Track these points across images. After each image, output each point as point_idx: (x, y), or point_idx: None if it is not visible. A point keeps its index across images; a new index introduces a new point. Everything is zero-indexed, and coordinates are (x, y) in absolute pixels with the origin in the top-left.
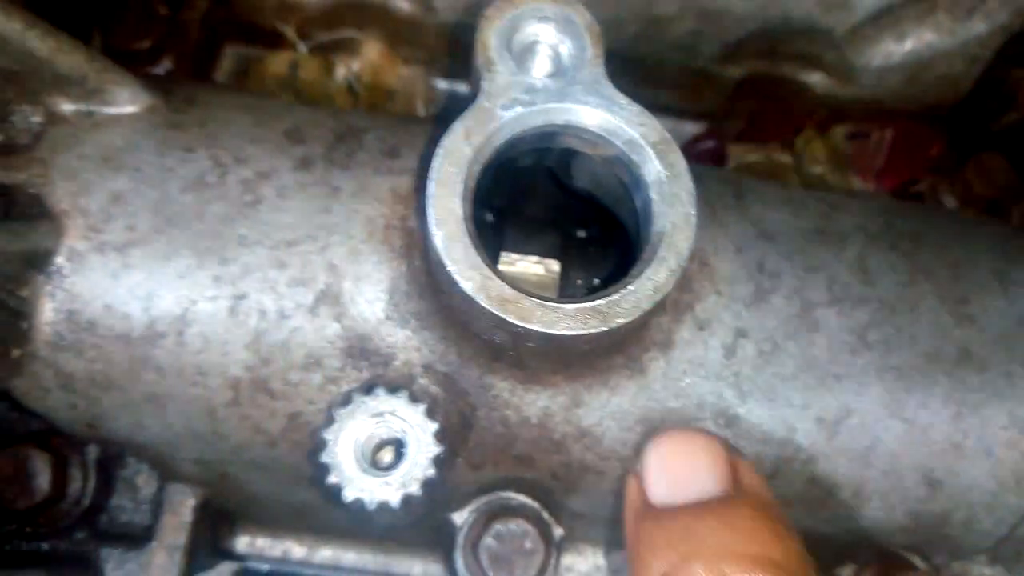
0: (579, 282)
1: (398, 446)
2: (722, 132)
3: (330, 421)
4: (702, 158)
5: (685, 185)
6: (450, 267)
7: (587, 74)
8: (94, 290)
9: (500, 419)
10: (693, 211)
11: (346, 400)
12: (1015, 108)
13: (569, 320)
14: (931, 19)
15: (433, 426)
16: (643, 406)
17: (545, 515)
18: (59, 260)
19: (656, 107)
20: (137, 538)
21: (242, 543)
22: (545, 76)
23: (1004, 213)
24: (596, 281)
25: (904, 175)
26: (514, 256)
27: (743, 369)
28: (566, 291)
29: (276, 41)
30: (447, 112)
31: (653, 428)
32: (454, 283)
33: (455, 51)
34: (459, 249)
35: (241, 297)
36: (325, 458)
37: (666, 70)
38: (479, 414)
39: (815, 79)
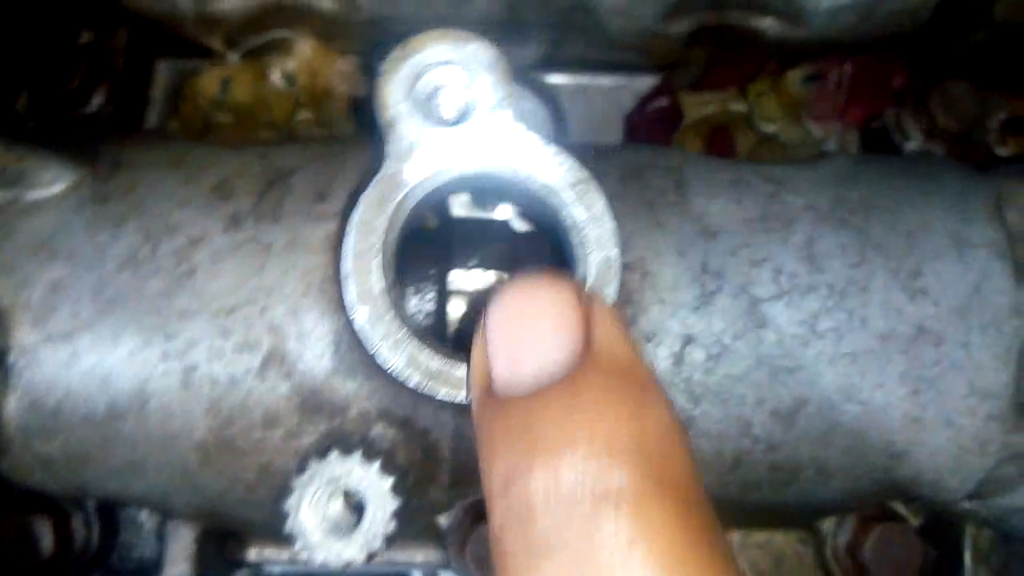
0: None
1: (357, 506)
2: (675, 84)
3: (288, 491)
4: (655, 118)
5: (607, 227)
6: (373, 349)
7: (497, 115)
8: (51, 380)
9: (464, 449)
10: (616, 255)
11: (301, 467)
12: (982, 27)
13: None
14: None
15: (389, 481)
16: None
17: None
18: (12, 357)
19: (606, 64)
20: (147, 571)
21: (252, 553)
22: (453, 123)
23: (970, 143)
24: None
25: (867, 110)
26: (459, 275)
27: (693, 375)
28: None
29: (207, 51)
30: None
31: None
32: (382, 361)
33: (388, 38)
34: (381, 328)
35: (192, 369)
36: (289, 527)
37: (610, 33)
38: (440, 449)
39: (765, 24)
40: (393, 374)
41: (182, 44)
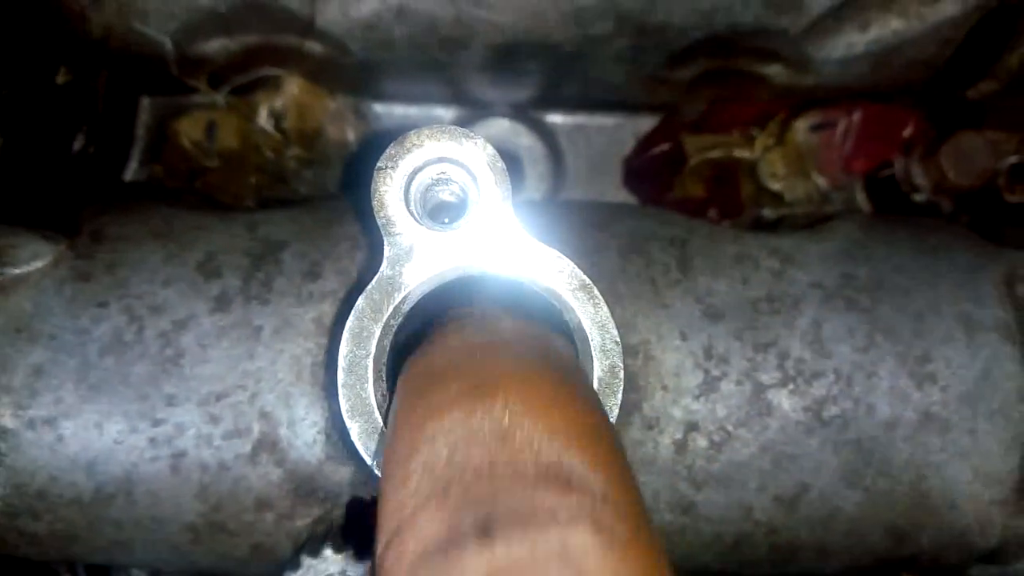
0: None
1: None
2: (677, 123)
3: None
4: (658, 163)
5: (609, 334)
6: (369, 463)
7: (496, 216)
8: (35, 464)
9: None
10: (620, 364)
11: (295, 565)
12: (994, 76)
13: None
14: (896, 5)
15: None
16: None
17: None
18: None
19: (605, 104)
20: None
21: None
22: (450, 224)
23: (981, 197)
24: None
25: (874, 159)
26: None
27: (696, 461)
28: None
29: (192, 87)
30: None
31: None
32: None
33: (381, 77)
34: (374, 444)
35: (180, 455)
36: None
37: (612, 77)
38: None
39: (773, 71)
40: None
41: (166, 80)
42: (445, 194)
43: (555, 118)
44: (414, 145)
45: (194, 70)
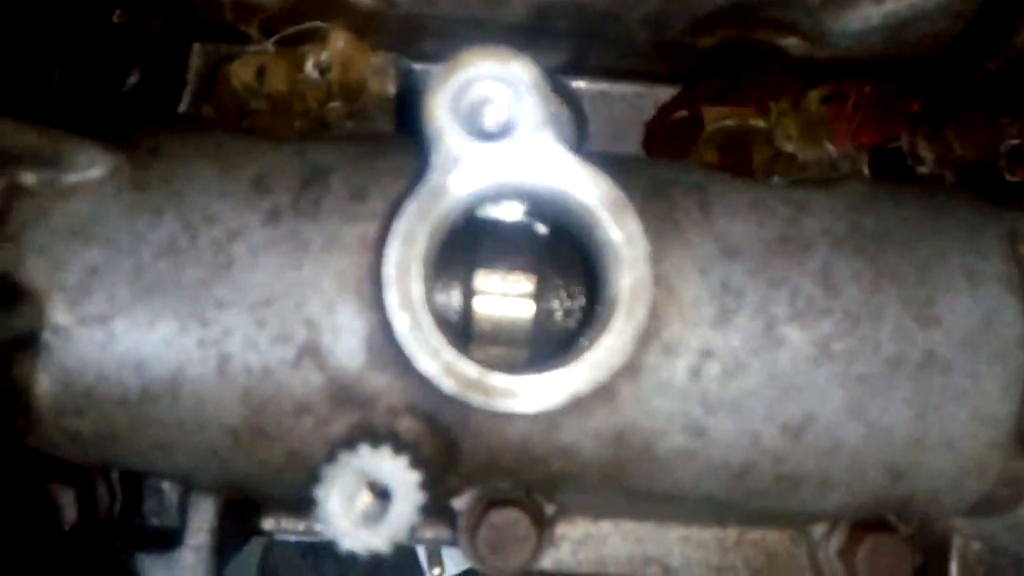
0: (556, 306)
1: (384, 496)
2: (696, 94)
3: (318, 480)
4: (675, 127)
5: (640, 250)
6: (412, 354)
7: (538, 134)
8: (85, 361)
9: (483, 445)
10: (649, 275)
11: (331, 457)
12: (1000, 55)
13: (531, 396)
14: None
15: (416, 476)
16: (615, 424)
17: (536, 497)
18: (46, 337)
19: (629, 72)
20: (168, 540)
21: (268, 523)
22: (495, 139)
23: (980, 170)
24: (570, 306)
25: (883, 133)
26: (486, 278)
27: (709, 387)
28: (542, 319)
29: (243, 36)
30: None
31: (625, 442)
32: (419, 367)
33: (423, 36)
34: (420, 336)
35: (227, 357)
36: (318, 515)
37: (637, 43)
38: (463, 444)
39: (790, 43)
40: (431, 380)
41: (218, 28)
42: (491, 111)
43: (581, 84)
44: (464, 64)
45: (247, 16)
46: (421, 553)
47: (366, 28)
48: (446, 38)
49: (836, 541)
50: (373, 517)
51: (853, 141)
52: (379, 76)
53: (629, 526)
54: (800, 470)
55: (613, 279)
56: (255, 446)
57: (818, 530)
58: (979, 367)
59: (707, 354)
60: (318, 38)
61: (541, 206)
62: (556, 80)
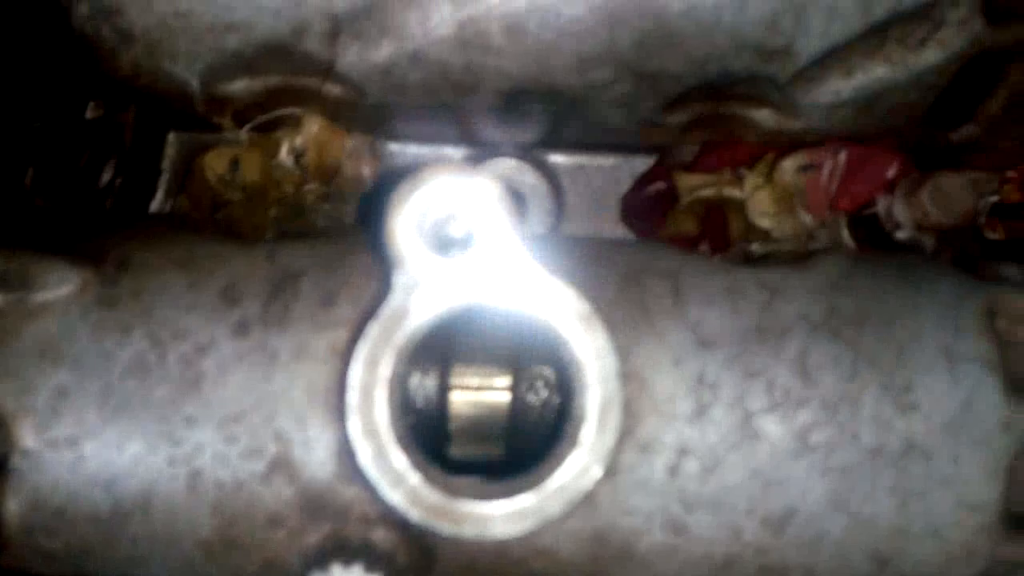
0: (533, 400)
1: None
2: (670, 164)
3: None
4: (653, 200)
5: (609, 364)
6: (376, 482)
7: (502, 250)
8: (55, 483)
9: (460, 552)
10: (619, 395)
11: (305, 572)
12: (976, 121)
13: (501, 523)
14: (880, 53)
15: None
16: (593, 526)
17: None
18: (14, 460)
19: (605, 145)
20: None
21: None
22: (460, 255)
23: (960, 229)
24: (547, 398)
25: (860, 200)
26: (462, 372)
27: (688, 484)
28: (519, 414)
29: (217, 125)
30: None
31: (605, 542)
32: (384, 497)
33: (396, 118)
34: (383, 464)
35: (197, 473)
36: None
37: (610, 121)
38: (438, 551)
39: (762, 115)
40: (395, 510)
41: (193, 118)
42: (454, 228)
43: (557, 158)
44: (425, 181)
45: (219, 108)
46: None
47: (338, 113)
48: (418, 120)
49: None
50: None
51: (831, 208)
52: (354, 158)
53: None
54: (784, 563)
55: (581, 396)
56: (229, 558)
57: None
58: (961, 452)
59: (684, 451)
60: (292, 124)
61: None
62: (532, 155)
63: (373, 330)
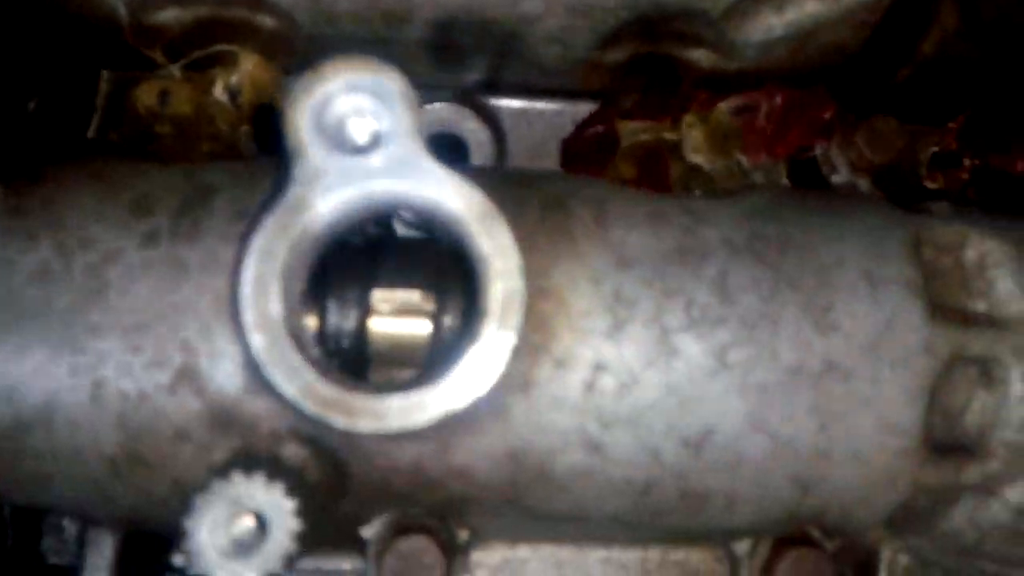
0: (451, 323)
1: (260, 525)
2: (611, 112)
3: (189, 510)
4: (591, 142)
5: (511, 262)
6: (270, 375)
7: (404, 146)
8: None
9: (373, 469)
10: (520, 287)
11: (205, 486)
12: (909, 63)
13: (397, 416)
14: None
15: (291, 504)
16: (509, 443)
17: (449, 524)
18: None
19: (547, 90)
20: None
21: (178, 558)
22: (361, 152)
23: (899, 176)
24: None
25: (796, 143)
26: (382, 296)
27: (604, 401)
28: (440, 337)
29: (152, 62)
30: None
31: (521, 462)
32: (277, 388)
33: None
34: (276, 355)
35: (100, 384)
36: (187, 546)
37: (547, 60)
38: (351, 467)
39: (698, 55)
40: (289, 401)
41: (127, 55)
42: (356, 123)
43: (499, 102)
44: (328, 75)
45: (149, 40)
46: None
47: (274, 50)
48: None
49: (758, 558)
50: (246, 548)
51: (768, 152)
52: None
53: (548, 550)
54: (704, 486)
55: (483, 290)
56: (135, 475)
57: (741, 547)
58: (882, 373)
59: (600, 367)
60: (227, 62)
61: (420, 222)
62: (473, 100)
63: (268, 222)
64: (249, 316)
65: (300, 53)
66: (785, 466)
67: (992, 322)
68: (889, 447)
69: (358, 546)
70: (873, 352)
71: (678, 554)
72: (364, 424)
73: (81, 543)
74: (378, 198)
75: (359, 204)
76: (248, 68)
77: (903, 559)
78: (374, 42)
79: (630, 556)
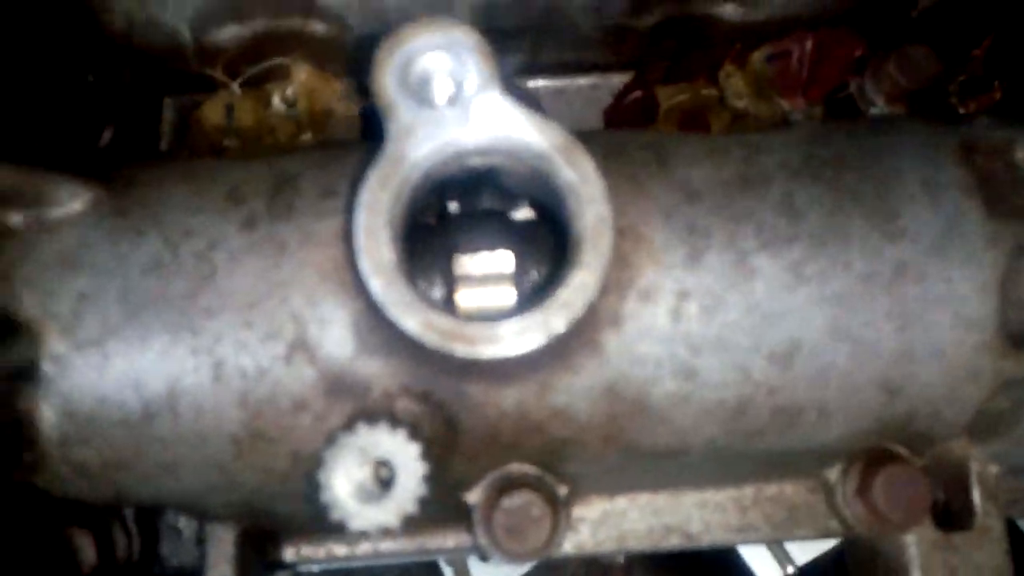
0: (533, 272)
1: (388, 474)
2: (648, 78)
3: (320, 463)
4: (632, 109)
5: (596, 187)
6: (391, 312)
7: (486, 95)
8: (84, 387)
9: (481, 418)
10: (608, 212)
11: (331, 440)
12: None
13: (512, 339)
14: None
15: (416, 448)
16: (605, 378)
17: (548, 479)
18: (44, 367)
19: (582, 65)
20: None
21: (289, 553)
22: (446, 104)
23: (934, 100)
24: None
25: (830, 83)
26: (465, 259)
27: (691, 327)
28: (522, 283)
29: (210, 83)
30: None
31: (618, 395)
32: (399, 324)
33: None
34: (395, 293)
35: (220, 363)
36: (324, 499)
37: (581, 31)
38: (461, 419)
39: (727, 10)
40: (411, 336)
41: (188, 80)
42: (438, 79)
43: (537, 83)
44: (407, 36)
45: (210, 60)
46: (447, 571)
47: (325, 57)
48: None
49: (852, 481)
50: (378, 494)
51: (804, 96)
52: (345, 101)
53: (644, 499)
54: (795, 400)
55: (575, 220)
56: (257, 452)
57: (833, 474)
58: (951, 271)
59: (684, 295)
60: (281, 74)
61: (505, 174)
62: (513, 83)
63: (372, 177)
64: (365, 263)
65: (350, 58)
66: (871, 371)
67: None
68: (967, 342)
69: (462, 516)
70: (940, 252)
71: (771, 489)
72: (483, 350)
73: (200, 541)
74: (464, 145)
75: (448, 153)
76: (302, 78)
77: (992, 469)
78: None
79: (724, 496)
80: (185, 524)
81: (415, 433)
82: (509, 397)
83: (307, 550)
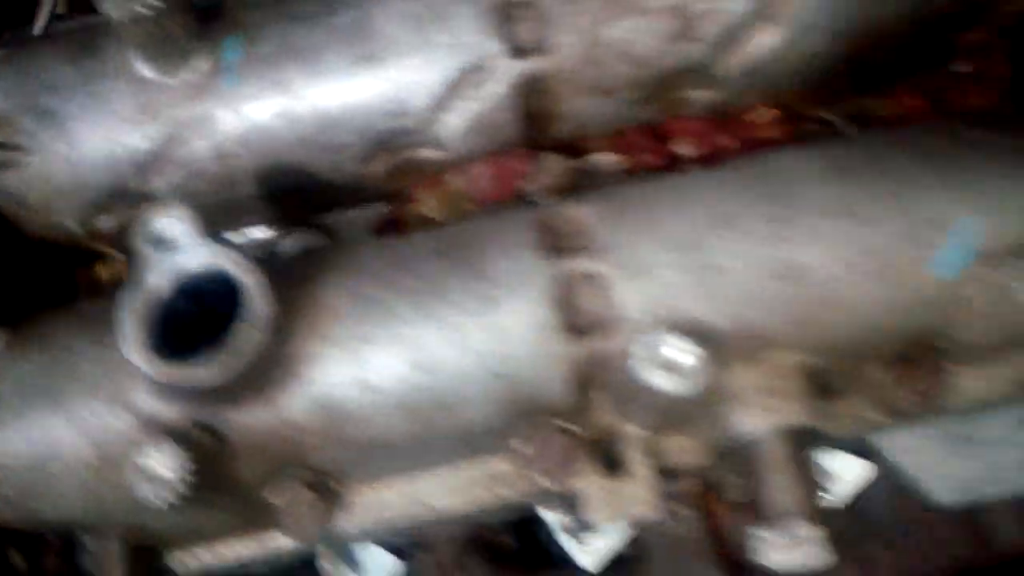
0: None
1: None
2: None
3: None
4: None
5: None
6: (154, 375)
7: (197, 241)
8: None
9: (238, 432)
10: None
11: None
12: None
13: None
14: None
15: (186, 455)
16: (311, 395)
17: (318, 474)
18: None
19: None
20: None
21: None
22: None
23: None
24: None
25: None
26: None
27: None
28: None
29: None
30: None
31: (324, 406)
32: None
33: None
34: (151, 368)
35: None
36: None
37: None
38: (225, 434)
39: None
40: (170, 383)
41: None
42: (168, 232)
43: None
44: (149, 212)
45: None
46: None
47: None
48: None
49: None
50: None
51: None
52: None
53: (402, 482)
54: (443, 400)
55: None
56: (106, 483)
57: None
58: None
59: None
60: None
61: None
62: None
63: (127, 303)
64: (131, 357)
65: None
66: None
67: None
68: None
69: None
70: None
71: (498, 464)
72: (206, 383)
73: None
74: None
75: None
76: None
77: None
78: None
79: (476, 472)
80: (91, 542)
81: (189, 446)
82: (246, 415)
83: (184, 557)
